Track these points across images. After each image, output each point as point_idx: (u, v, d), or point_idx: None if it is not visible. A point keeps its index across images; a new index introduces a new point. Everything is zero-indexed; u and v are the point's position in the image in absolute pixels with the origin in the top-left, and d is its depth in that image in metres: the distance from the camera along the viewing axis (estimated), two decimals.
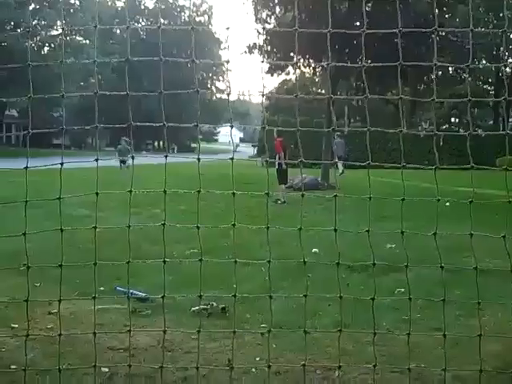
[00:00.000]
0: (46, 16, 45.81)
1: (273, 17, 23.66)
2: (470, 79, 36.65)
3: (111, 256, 5.35)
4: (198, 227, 3.39)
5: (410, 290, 3.42)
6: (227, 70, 67.64)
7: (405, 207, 3.24)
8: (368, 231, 3.35)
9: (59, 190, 3.31)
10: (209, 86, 75.48)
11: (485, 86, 48.99)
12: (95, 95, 3.28)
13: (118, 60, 4.13)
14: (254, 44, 23.98)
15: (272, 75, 25.58)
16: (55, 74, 29.69)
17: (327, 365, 4.16)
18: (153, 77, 43.80)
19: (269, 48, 22.75)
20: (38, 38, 47.81)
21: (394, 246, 7.92)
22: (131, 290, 5.12)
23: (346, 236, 4.49)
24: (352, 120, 52.17)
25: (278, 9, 23.39)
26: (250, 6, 23.76)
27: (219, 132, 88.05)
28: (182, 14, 76.25)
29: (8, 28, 44.76)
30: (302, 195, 3.67)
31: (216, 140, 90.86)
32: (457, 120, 47.78)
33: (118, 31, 65.05)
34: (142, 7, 73.10)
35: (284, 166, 15.74)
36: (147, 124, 3.45)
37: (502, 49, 36.90)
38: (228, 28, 3.45)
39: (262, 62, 3.88)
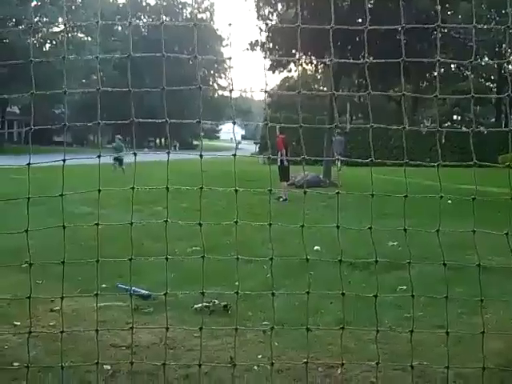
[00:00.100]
0: (47, 13, 45.76)
1: (275, 14, 23.64)
2: (472, 76, 36.56)
3: (113, 253, 5.36)
4: (200, 224, 3.38)
5: (413, 287, 3.41)
6: (229, 67, 67.74)
7: (407, 204, 3.22)
8: (370, 228, 3.34)
9: (61, 187, 3.30)
10: (211, 83, 75.40)
11: (487, 84, 48.90)
12: (97, 92, 3.27)
13: (120, 56, 4.12)
14: (256, 41, 24.00)
15: (274, 72, 25.59)
16: (57, 71, 29.68)
17: (329, 362, 4.16)
18: (155, 74, 43.76)
19: (271, 45, 22.75)
20: (40, 34, 47.76)
21: (396, 243, 7.92)
22: (133, 288, 5.13)
23: (348, 233, 4.49)
24: (354, 117, 52.13)
25: (280, 6, 23.37)
26: (252, 3, 23.76)
27: (221, 129, 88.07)
28: (184, 10, 76.23)
29: (10, 25, 44.69)
30: (305, 192, 3.66)
31: (218, 137, 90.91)
32: (459, 117, 47.70)
33: (120, 28, 65.11)
34: (144, 4, 73.03)
35: (286, 163, 15.74)
36: (149, 120, 3.45)
37: (504, 46, 36.78)
38: (230, 24, 3.43)
39: (265, 58, 3.87)
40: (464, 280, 5.69)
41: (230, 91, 3.55)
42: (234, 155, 3.45)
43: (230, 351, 4.24)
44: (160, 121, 3.38)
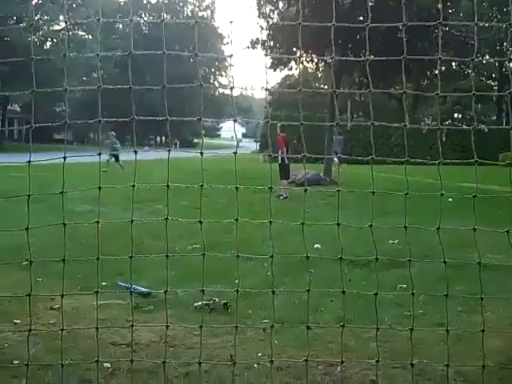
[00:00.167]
0: (48, 11, 45.75)
1: (276, 12, 23.62)
2: (473, 74, 36.53)
3: (114, 251, 5.35)
4: (200, 222, 3.38)
5: (413, 285, 3.41)
6: (230, 64, 67.63)
7: (408, 202, 3.22)
8: (371, 226, 3.33)
9: (61, 185, 3.30)
10: (212, 81, 75.44)
11: (488, 82, 48.87)
12: (98, 90, 3.27)
13: (121, 54, 4.11)
14: (257, 39, 23.97)
15: (275, 70, 25.55)
16: (58, 69, 29.65)
17: (329, 360, 4.16)
18: (155, 72, 43.82)
19: (272, 43, 22.74)
20: (41, 32, 47.73)
21: (396, 241, 7.92)
22: (133, 286, 5.13)
23: (349, 231, 4.47)
24: (355, 115, 52.13)
25: (281, 3, 23.34)
26: (253, 1, 23.72)
27: (222, 127, 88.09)
28: (185, 8, 76.24)
29: (11, 22, 44.68)
30: (305, 190, 3.66)
31: (219, 135, 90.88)
32: (460, 115, 47.66)
33: (121, 26, 65.10)
34: (145, 1, 72.98)
35: (286, 161, 15.73)
36: (150, 118, 3.44)
37: (505, 44, 36.78)
38: (231, 22, 3.42)
39: (266, 56, 3.87)
40: (464, 278, 5.69)
41: (231, 89, 3.55)
42: (235, 153, 3.45)
43: (229, 349, 4.24)
44: (161, 118, 3.38)
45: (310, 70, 45.04)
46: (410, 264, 3.46)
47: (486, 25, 31.91)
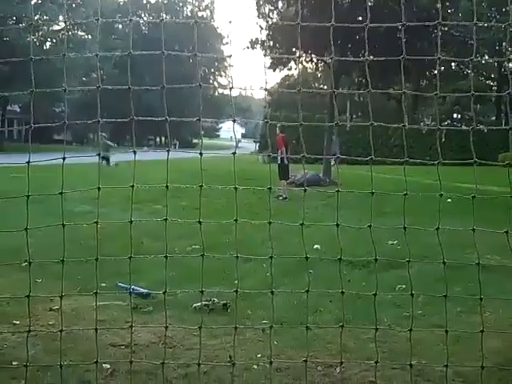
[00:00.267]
0: (48, 11, 45.69)
1: (275, 12, 23.64)
2: (472, 74, 36.55)
3: (113, 252, 5.36)
4: (199, 223, 3.37)
5: (412, 286, 3.41)
6: (229, 65, 67.66)
7: (407, 203, 3.22)
8: (370, 227, 3.33)
9: (60, 186, 3.30)
10: (211, 81, 75.42)
11: (487, 82, 48.85)
12: (97, 90, 3.26)
13: (121, 54, 4.10)
14: (257, 39, 24.00)
15: (274, 70, 25.58)
16: (57, 69, 29.63)
17: (328, 361, 4.16)
18: (155, 72, 43.76)
19: (271, 43, 22.76)
20: (40, 33, 47.71)
21: (395, 242, 7.92)
22: (133, 286, 5.13)
23: (348, 232, 4.48)
24: (354, 116, 52.12)
25: (280, 3, 23.37)
26: (253, 1, 23.74)
27: (221, 128, 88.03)
28: (185, 8, 76.22)
29: (10, 23, 44.64)
30: (304, 190, 3.66)
31: (218, 136, 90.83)
32: (459, 116, 47.67)
33: (120, 26, 65.05)
34: (144, 1, 72.97)
35: (286, 162, 15.74)
36: (149, 119, 3.43)
37: (504, 44, 36.75)
38: (230, 22, 3.42)
39: (265, 56, 3.87)
40: (463, 279, 5.70)
41: (230, 89, 3.54)
42: (234, 153, 3.44)
43: (229, 350, 4.24)
44: (160, 119, 3.38)
45: (309, 70, 45.14)
46: (408, 265, 3.46)
47: (485, 25, 31.90)
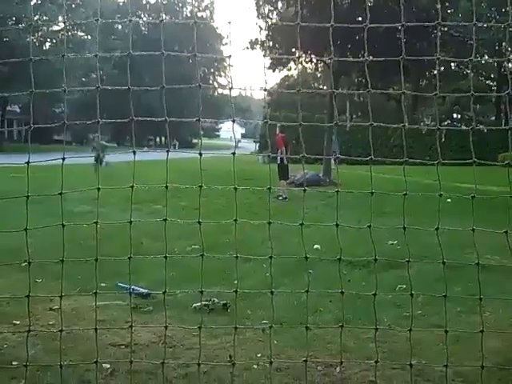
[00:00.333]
0: (47, 11, 45.69)
1: (275, 12, 23.64)
2: (472, 75, 36.55)
3: (113, 252, 5.37)
4: (199, 223, 3.38)
5: (412, 286, 3.41)
6: (229, 65, 67.57)
7: (406, 203, 3.22)
8: (369, 227, 3.34)
9: (60, 186, 3.30)
10: (210, 81, 75.42)
11: (487, 82, 48.85)
12: (97, 90, 3.26)
13: (120, 54, 4.10)
14: (256, 39, 24.00)
15: (274, 71, 25.58)
16: (57, 70, 29.60)
17: (328, 361, 4.16)
18: (154, 73, 43.73)
19: (271, 43, 22.75)
20: (40, 33, 47.71)
21: (395, 242, 7.92)
22: (133, 286, 5.13)
23: (348, 232, 4.49)
24: (354, 116, 52.13)
25: (280, 4, 23.36)
26: (252, 1, 23.75)
27: (221, 128, 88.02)
28: (184, 9, 76.22)
29: (10, 23, 44.62)
30: (304, 191, 3.66)
31: (218, 136, 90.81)
32: (459, 116, 47.67)
33: (120, 27, 65.04)
34: (144, 2, 72.96)
35: (285, 162, 15.74)
36: (149, 119, 3.43)
37: (504, 44, 36.75)
38: (230, 22, 3.42)
39: (264, 56, 3.87)
40: (463, 279, 5.70)
41: (230, 89, 3.54)
42: (234, 154, 3.44)
43: (229, 350, 4.24)
44: (159, 119, 3.38)
45: (308, 71, 45.14)
46: (408, 265, 3.46)
47: (485, 25, 31.90)
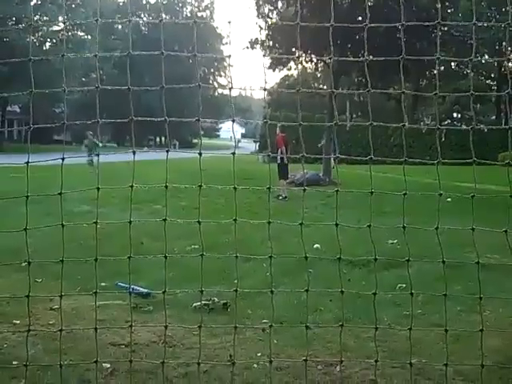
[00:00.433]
0: (47, 11, 45.72)
1: (275, 12, 23.63)
2: (472, 74, 36.54)
3: (112, 252, 5.36)
4: (199, 222, 3.38)
5: (412, 285, 3.41)
6: (229, 65, 67.61)
7: (406, 203, 3.23)
8: (369, 226, 3.34)
9: (60, 186, 3.30)
10: (210, 81, 75.42)
11: (487, 81, 48.85)
12: (97, 90, 3.27)
13: (120, 54, 4.10)
14: (256, 39, 23.99)
15: (274, 70, 25.59)
16: (57, 70, 29.58)
17: (328, 360, 4.16)
18: (154, 73, 43.71)
19: (271, 43, 22.75)
20: (40, 33, 47.71)
21: (395, 241, 7.93)
22: (132, 286, 5.13)
23: (348, 231, 4.49)
24: (354, 115, 52.12)
25: (280, 4, 23.36)
26: (252, 1, 23.73)
27: (221, 128, 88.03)
28: (184, 9, 76.21)
29: (10, 23, 44.62)
30: (304, 190, 3.66)
31: (218, 136, 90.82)
32: (459, 115, 47.67)
33: (120, 27, 65.03)
34: (144, 2, 72.94)
35: (285, 161, 15.74)
36: (148, 119, 3.44)
37: (504, 43, 36.75)
38: (230, 22, 3.42)
39: (264, 56, 3.88)
40: (463, 278, 5.71)
41: (230, 89, 3.54)
42: (233, 153, 3.45)
43: (229, 349, 4.24)
44: (159, 119, 3.38)
45: (308, 70, 45.13)
46: (408, 264, 3.46)
47: (485, 24, 31.89)
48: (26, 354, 3.35)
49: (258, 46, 23.90)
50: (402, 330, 3.99)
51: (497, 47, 40.35)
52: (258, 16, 23.82)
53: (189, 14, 73.89)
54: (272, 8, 23.64)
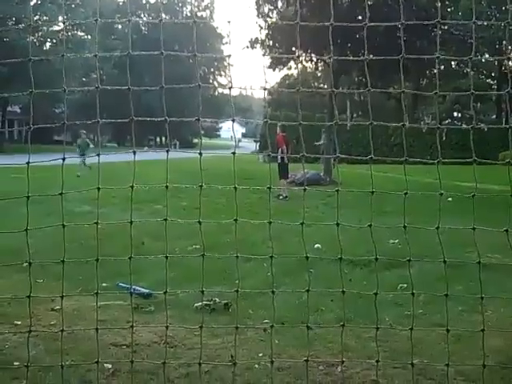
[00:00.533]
0: (47, 11, 45.73)
1: (275, 11, 23.63)
2: (472, 73, 36.53)
3: (113, 252, 5.37)
4: (199, 222, 3.37)
5: (413, 285, 3.41)
6: (229, 64, 67.69)
7: (407, 202, 3.22)
8: (370, 226, 3.33)
9: (60, 186, 3.30)
10: (211, 81, 75.42)
11: (487, 80, 48.83)
12: (97, 90, 3.26)
13: (120, 54, 4.10)
14: (256, 39, 23.96)
15: (274, 70, 25.59)
16: (57, 70, 29.56)
17: (330, 360, 4.16)
18: (154, 72, 43.72)
19: (271, 43, 22.74)
20: (40, 33, 47.71)
21: (396, 241, 7.92)
22: (134, 286, 5.13)
23: (348, 231, 4.47)
24: (354, 115, 52.12)
25: (279, 3, 23.35)
26: (252, 1, 23.75)
27: (221, 128, 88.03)
28: (184, 8, 76.21)
29: (9, 23, 44.61)
30: (304, 190, 3.65)
31: (218, 135, 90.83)
32: (459, 115, 47.66)
33: (120, 27, 65.02)
34: (144, 1, 72.93)
35: (286, 161, 15.73)
36: (149, 119, 3.43)
37: (504, 42, 36.73)
38: (229, 22, 3.41)
39: (264, 55, 3.87)
40: (464, 278, 5.70)
41: (230, 89, 3.54)
42: (234, 153, 3.44)
43: (230, 349, 4.24)
44: (159, 119, 3.38)
45: (309, 70, 45.03)
46: (409, 264, 3.46)
47: (485, 23, 31.93)
48: (28, 354, 3.34)
49: (258, 45, 23.88)
50: (404, 330, 3.99)
51: (497, 46, 40.32)
52: (257, 15, 23.84)
53: (189, 14, 73.87)
54: (272, 7, 23.63)
